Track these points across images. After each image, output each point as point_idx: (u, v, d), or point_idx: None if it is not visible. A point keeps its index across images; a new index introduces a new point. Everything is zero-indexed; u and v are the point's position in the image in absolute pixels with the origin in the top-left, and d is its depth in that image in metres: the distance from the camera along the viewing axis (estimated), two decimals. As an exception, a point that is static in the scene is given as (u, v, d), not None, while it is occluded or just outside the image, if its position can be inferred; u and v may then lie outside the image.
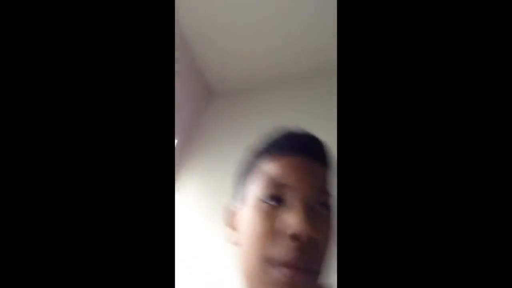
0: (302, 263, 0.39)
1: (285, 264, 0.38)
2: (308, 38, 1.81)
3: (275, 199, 0.42)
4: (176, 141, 1.94)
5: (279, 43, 1.89)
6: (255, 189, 0.45)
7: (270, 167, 0.45)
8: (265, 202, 0.42)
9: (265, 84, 2.13)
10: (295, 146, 0.48)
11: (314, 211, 0.42)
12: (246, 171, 0.50)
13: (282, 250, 0.39)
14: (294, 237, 0.39)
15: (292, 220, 0.39)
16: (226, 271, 1.29)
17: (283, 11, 1.73)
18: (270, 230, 0.40)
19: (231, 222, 0.51)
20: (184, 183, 1.82)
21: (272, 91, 2.06)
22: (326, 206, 0.43)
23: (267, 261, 0.39)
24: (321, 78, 1.82)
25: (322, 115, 1.46)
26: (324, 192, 0.44)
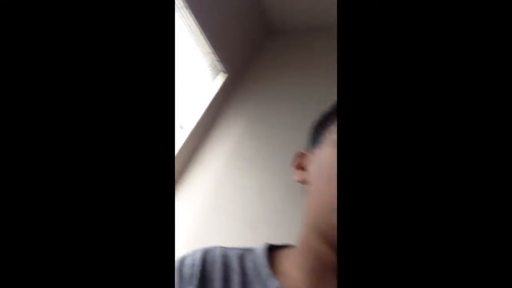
0: None
1: None
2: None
3: None
4: (226, 75, 1.92)
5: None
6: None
7: None
8: None
9: (323, 28, 2.00)
10: None
11: None
12: (329, 116, 0.50)
13: None
14: None
15: None
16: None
17: None
18: None
19: (300, 163, 0.51)
20: (233, 120, 1.81)
21: (330, 35, 1.93)
22: None
23: None
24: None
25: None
26: None
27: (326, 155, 0.44)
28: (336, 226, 0.38)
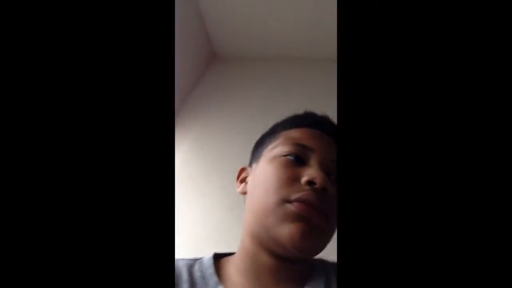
0: (317, 202, 0.43)
1: (301, 200, 0.42)
2: (318, 21, 1.78)
3: (297, 157, 0.48)
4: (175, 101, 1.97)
5: (291, 18, 1.86)
6: (276, 150, 0.50)
7: (294, 133, 0.52)
8: (287, 156, 0.48)
9: (270, 55, 2.13)
10: (315, 121, 0.55)
11: (328, 172, 0.47)
12: (268, 136, 0.56)
13: (299, 191, 0.43)
14: (311, 182, 0.44)
15: (310, 171, 0.45)
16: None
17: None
18: (288, 177, 0.45)
19: (243, 177, 0.58)
20: (177, 142, 1.86)
21: (277, 63, 2.07)
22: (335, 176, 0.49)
23: (283, 199, 0.44)
24: (324, 62, 1.81)
25: (323, 95, 1.50)
26: (335, 163, 0.49)
27: (262, 168, 0.50)
28: (268, 228, 0.43)
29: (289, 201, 0.44)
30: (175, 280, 0.45)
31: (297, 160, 0.47)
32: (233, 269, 0.48)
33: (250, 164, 0.58)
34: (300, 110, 0.61)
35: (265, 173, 0.48)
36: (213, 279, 0.46)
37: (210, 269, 0.48)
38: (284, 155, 0.48)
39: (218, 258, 0.52)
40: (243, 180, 0.57)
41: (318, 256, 0.50)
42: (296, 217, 0.43)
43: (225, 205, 1.44)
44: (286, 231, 0.43)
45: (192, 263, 0.49)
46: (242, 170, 0.59)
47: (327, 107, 0.63)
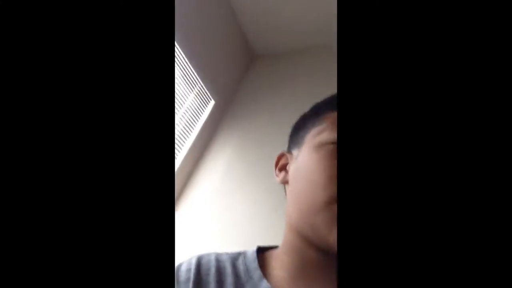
0: None
1: None
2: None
3: None
4: (213, 102, 2.03)
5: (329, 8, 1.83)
6: (322, 136, 0.45)
7: (335, 115, 0.46)
8: (333, 144, 0.43)
9: (306, 49, 2.10)
10: None
11: None
12: (310, 119, 0.51)
13: None
14: None
15: None
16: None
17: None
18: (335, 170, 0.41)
19: (282, 164, 0.53)
20: (223, 143, 1.90)
21: (313, 56, 2.04)
22: None
23: (333, 199, 0.40)
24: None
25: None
26: None
27: (306, 157, 0.45)
28: (316, 229, 0.39)
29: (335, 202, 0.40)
30: (219, 273, 0.45)
31: None
32: (277, 263, 0.47)
33: (290, 150, 0.52)
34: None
35: (311, 164, 0.44)
36: (257, 273, 0.45)
37: (254, 263, 0.46)
38: (333, 143, 0.43)
39: (262, 251, 0.50)
40: (283, 168, 0.52)
41: None
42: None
43: (270, 206, 1.44)
44: (336, 237, 0.39)
45: (236, 256, 0.48)
46: (281, 156, 0.53)
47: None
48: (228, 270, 0.46)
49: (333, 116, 0.46)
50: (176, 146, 1.76)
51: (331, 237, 0.38)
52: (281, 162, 0.53)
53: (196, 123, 1.92)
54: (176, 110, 1.78)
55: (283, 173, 0.51)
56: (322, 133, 0.45)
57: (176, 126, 1.78)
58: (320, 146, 0.44)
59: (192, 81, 1.90)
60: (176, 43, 1.73)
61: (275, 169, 0.53)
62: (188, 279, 0.44)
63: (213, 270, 0.46)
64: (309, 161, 0.44)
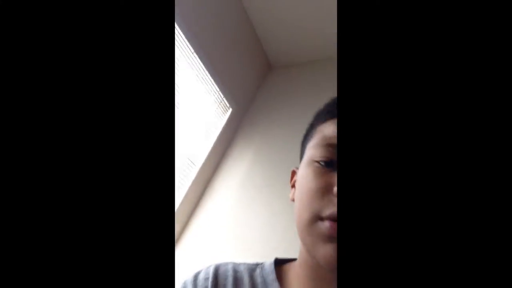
0: None
1: (329, 218, 0.39)
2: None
3: (326, 161, 0.42)
4: (231, 110, 2.06)
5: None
6: (312, 151, 0.46)
7: (328, 128, 0.46)
8: (317, 163, 0.43)
9: (322, 61, 2.12)
10: None
11: None
12: (308, 134, 0.52)
13: (328, 205, 0.39)
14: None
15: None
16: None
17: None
18: (320, 188, 0.41)
19: (292, 181, 0.53)
20: (241, 151, 1.92)
21: (329, 68, 2.05)
22: None
23: (316, 216, 0.40)
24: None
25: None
26: None
27: (301, 173, 0.46)
28: (307, 246, 0.40)
29: (321, 219, 0.41)
30: (237, 283, 0.45)
31: (328, 165, 0.42)
32: (294, 276, 0.47)
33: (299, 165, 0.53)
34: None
35: (302, 181, 0.44)
36: (274, 285, 0.45)
37: (271, 275, 0.47)
38: (317, 161, 0.43)
39: (279, 263, 0.50)
40: (293, 185, 0.52)
41: None
42: (328, 238, 0.40)
43: (288, 215, 1.44)
44: (321, 252, 0.39)
45: (253, 268, 0.49)
46: (293, 173, 0.53)
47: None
48: (246, 281, 0.46)
49: (321, 128, 0.46)
50: (194, 154, 1.79)
51: (318, 254, 0.39)
52: (294, 180, 0.53)
53: (214, 131, 1.96)
54: (195, 118, 1.83)
55: (293, 190, 0.51)
56: (312, 148, 0.46)
57: (195, 133, 1.82)
58: (310, 162, 0.44)
59: (211, 90, 1.95)
60: (197, 55, 1.79)
61: (291, 186, 0.53)
62: None
63: (230, 280, 0.46)
64: (300, 179, 0.45)
